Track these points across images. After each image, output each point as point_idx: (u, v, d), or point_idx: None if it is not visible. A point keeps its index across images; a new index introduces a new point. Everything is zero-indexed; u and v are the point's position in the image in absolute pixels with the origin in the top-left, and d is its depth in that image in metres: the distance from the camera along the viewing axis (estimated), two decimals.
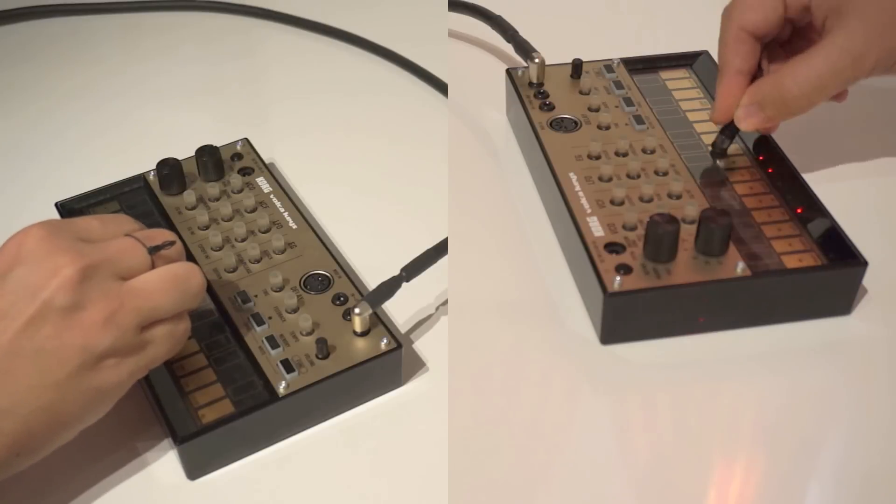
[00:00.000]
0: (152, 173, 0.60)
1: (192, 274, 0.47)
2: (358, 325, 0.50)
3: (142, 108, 0.74)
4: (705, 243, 0.51)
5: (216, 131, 0.67)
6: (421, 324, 0.56)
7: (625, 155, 0.59)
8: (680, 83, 0.66)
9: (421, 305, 0.56)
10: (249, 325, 0.51)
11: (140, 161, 0.61)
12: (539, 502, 0.45)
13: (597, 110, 0.62)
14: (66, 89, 0.76)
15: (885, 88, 0.68)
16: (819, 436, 0.47)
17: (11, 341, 0.42)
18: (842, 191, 0.59)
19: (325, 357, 0.49)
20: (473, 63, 0.75)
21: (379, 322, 0.51)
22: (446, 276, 0.56)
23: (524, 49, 0.66)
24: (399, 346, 0.50)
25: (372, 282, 0.56)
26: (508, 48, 0.68)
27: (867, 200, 0.60)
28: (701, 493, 0.46)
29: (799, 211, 0.55)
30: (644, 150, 0.59)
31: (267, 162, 0.63)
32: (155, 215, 0.59)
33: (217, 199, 0.59)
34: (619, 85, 0.64)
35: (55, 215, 0.59)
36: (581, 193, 0.56)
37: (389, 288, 0.51)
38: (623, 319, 0.51)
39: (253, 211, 0.58)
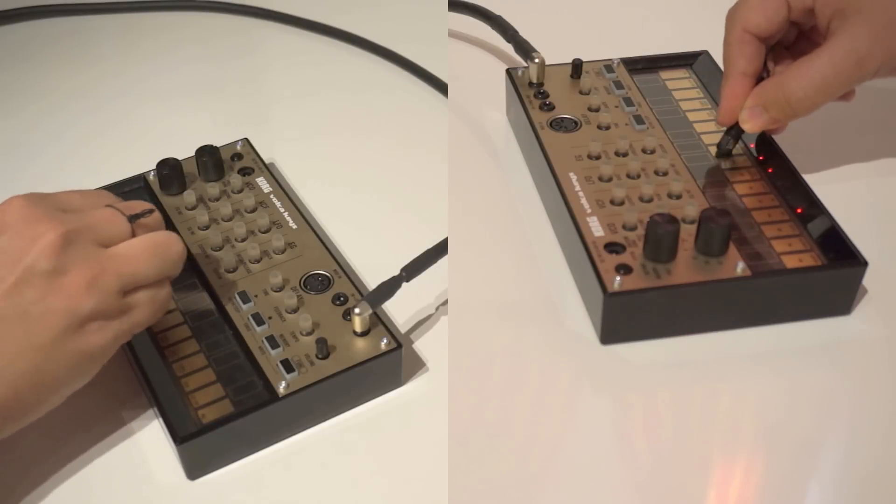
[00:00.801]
0: (152, 173, 0.60)
1: (171, 241, 0.48)
2: (358, 325, 0.50)
3: (142, 108, 0.74)
4: (705, 243, 0.51)
5: (216, 131, 0.67)
6: (421, 324, 0.56)
7: (625, 155, 0.59)
8: (680, 83, 0.66)
9: (421, 305, 0.56)
10: (249, 325, 0.51)
11: (140, 161, 0.61)
12: (539, 502, 0.45)
13: (597, 110, 0.62)
14: (66, 89, 0.76)
15: (884, 88, 0.68)
16: (819, 436, 0.47)
17: None
18: (842, 191, 0.59)
19: (325, 357, 0.49)
20: (473, 63, 0.75)
21: (379, 322, 0.51)
22: (446, 276, 0.56)
23: (524, 49, 0.66)
24: (399, 346, 0.50)
25: (372, 282, 0.56)
26: (508, 48, 0.68)
27: (867, 200, 0.60)
28: (701, 492, 0.46)
29: (799, 211, 0.55)
30: (644, 150, 0.59)
31: (267, 162, 0.63)
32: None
33: (217, 199, 0.59)
34: (619, 85, 0.64)
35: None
36: (581, 193, 0.56)
37: (389, 288, 0.51)
38: (623, 319, 0.51)
39: (253, 211, 0.58)
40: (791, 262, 0.52)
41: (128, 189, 0.60)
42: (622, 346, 0.51)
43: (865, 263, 0.51)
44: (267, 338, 0.50)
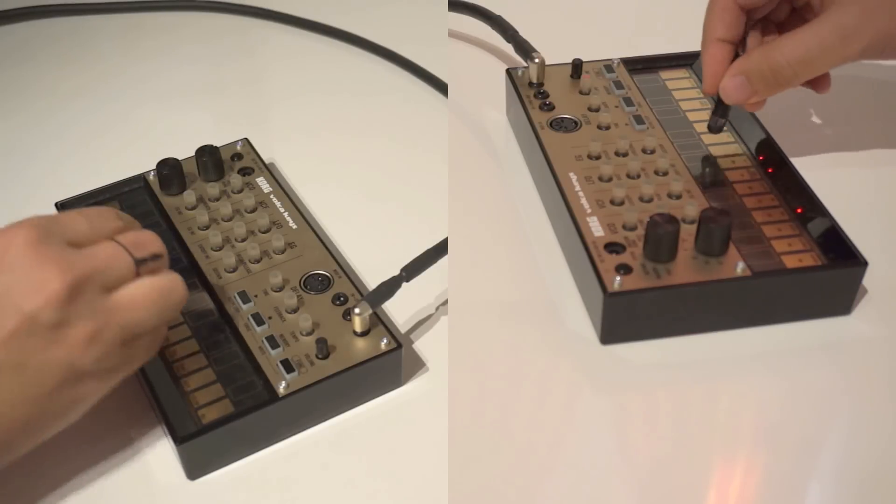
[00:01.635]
0: (152, 173, 0.60)
1: (175, 286, 0.46)
2: (358, 325, 0.50)
3: (142, 108, 0.74)
4: (705, 243, 0.51)
5: (216, 131, 0.67)
6: (421, 324, 0.56)
7: (625, 155, 0.59)
8: (680, 83, 0.66)
9: (421, 305, 0.56)
10: (249, 325, 0.51)
11: (140, 161, 0.61)
12: (539, 502, 0.45)
13: (597, 110, 0.62)
14: (66, 89, 0.76)
15: (885, 88, 0.68)
16: (819, 436, 0.47)
17: None
18: (842, 191, 0.59)
19: (325, 357, 0.49)
20: (473, 63, 0.75)
21: (379, 322, 0.51)
22: (446, 276, 0.56)
23: (524, 49, 0.66)
24: (399, 346, 0.50)
25: (372, 282, 0.56)
26: (508, 48, 0.68)
27: (867, 200, 0.60)
28: (701, 492, 0.46)
29: (799, 211, 0.55)
30: (644, 150, 0.59)
31: (267, 162, 0.63)
32: (155, 215, 0.59)
33: (217, 199, 0.59)
34: (619, 85, 0.64)
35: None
36: (581, 193, 0.56)
37: (389, 288, 0.51)
38: (623, 319, 0.51)
39: (253, 211, 0.58)
40: (791, 262, 0.52)
41: (127, 189, 0.60)
42: (622, 346, 0.51)
43: (865, 263, 0.51)
44: (267, 338, 0.50)
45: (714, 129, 0.58)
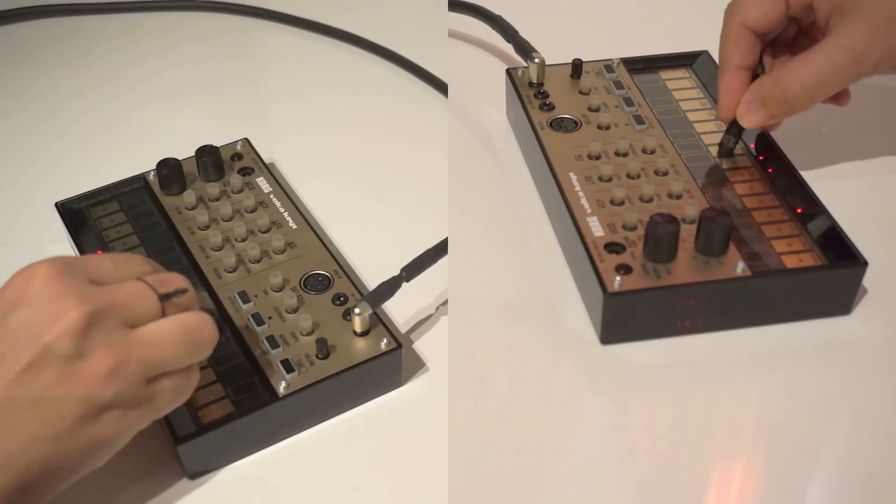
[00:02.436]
0: (152, 173, 0.60)
1: (203, 325, 0.44)
2: (358, 325, 0.50)
3: (142, 108, 0.74)
4: (705, 243, 0.51)
5: (216, 131, 0.67)
6: (421, 324, 0.56)
7: (625, 155, 0.59)
8: (680, 83, 0.66)
9: (421, 305, 0.56)
10: (249, 325, 0.51)
11: (140, 161, 0.61)
12: (539, 502, 0.45)
13: (597, 110, 0.62)
14: (66, 89, 0.76)
15: (884, 88, 0.68)
16: (819, 436, 0.47)
17: (8, 387, 0.39)
18: (842, 191, 0.59)
19: (325, 357, 0.49)
20: (473, 63, 0.75)
21: (379, 322, 0.51)
22: (446, 276, 0.56)
23: (524, 49, 0.66)
24: (399, 346, 0.50)
25: (372, 282, 0.56)
26: (508, 48, 0.68)
27: (867, 200, 0.60)
28: (701, 492, 0.46)
29: (799, 211, 0.55)
30: (644, 150, 0.59)
31: (267, 162, 0.63)
32: (155, 215, 0.59)
33: (217, 199, 0.59)
34: (619, 85, 0.64)
35: (55, 215, 0.58)
36: (581, 193, 0.56)
37: (389, 288, 0.51)
38: (623, 319, 0.51)
39: (253, 211, 0.58)
40: (791, 262, 0.52)
41: (128, 189, 0.60)
42: (622, 346, 0.51)
43: (865, 263, 0.51)
44: (267, 338, 0.50)
45: (725, 148, 0.58)
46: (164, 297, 0.44)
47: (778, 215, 0.55)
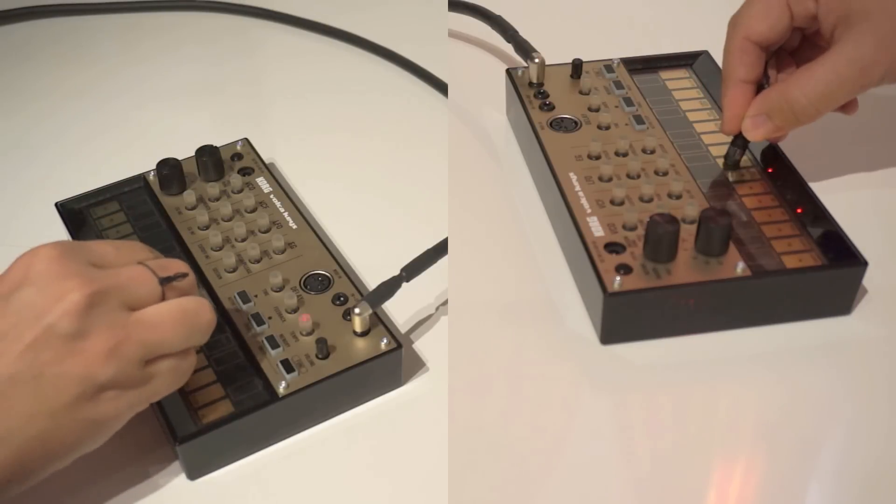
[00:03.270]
0: (152, 173, 0.60)
1: (202, 309, 0.45)
2: (358, 325, 0.50)
3: (142, 108, 0.74)
4: (705, 243, 0.51)
5: (216, 131, 0.67)
6: (421, 324, 0.56)
7: (625, 155, 0.59)
8: (680, 83, 0.66)
9: (421, 305, 0.56)
10: (249, 325, 0.51)
11: (140, 161, 0.61)
12: (539, 502, 0.45)
13: (597, 110, 0.62)
14: (66, 89, 0.76)
15: (884, 86, 0.68)
16: (819, 436, 0.47)
17: (10, 364, 0.40)
18: (842, 190, 0.59)
19: (325, 357, 0.49)
20: (473, 63, 0.75)
21: (379, 322, 0.51)
22: (446, 276, 0.56)
23: (524, 49, 0.66)
24: (399, 346, 0.50)
25: (372, 282, 0.56)
26: (508, 48, 0.68)
27: (867, 200, 0.60)
28: (701, 492, 0.46)
29: (799, 211, 0.55)
30: (644, 150, 0.59)
31: (267, 162, 0.63)
32: (155, 215, 0.59)
33: (217, 199, 0.59)
34: (619, 85, 0.64)
35: (55, 215, 0.58)
36: (581, 193, 0.56)
37: (389, 288, 0.51)
38: (623, 319, 0.51)
39: (253, 211, 0.58)
40: (791, 262, 0.52)
41: (128, 189, 0.60)
42: (622, 346, 0.51)
43: (865, 263, 0.51)
44: (267, 338, 0.50)
45: (731, 160, 0.57)
46: (165, 281, 0.45)
47: (778, 215, 0.55)
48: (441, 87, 0.73)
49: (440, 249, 0.54)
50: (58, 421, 0.41)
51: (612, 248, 0.52)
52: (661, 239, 0.50)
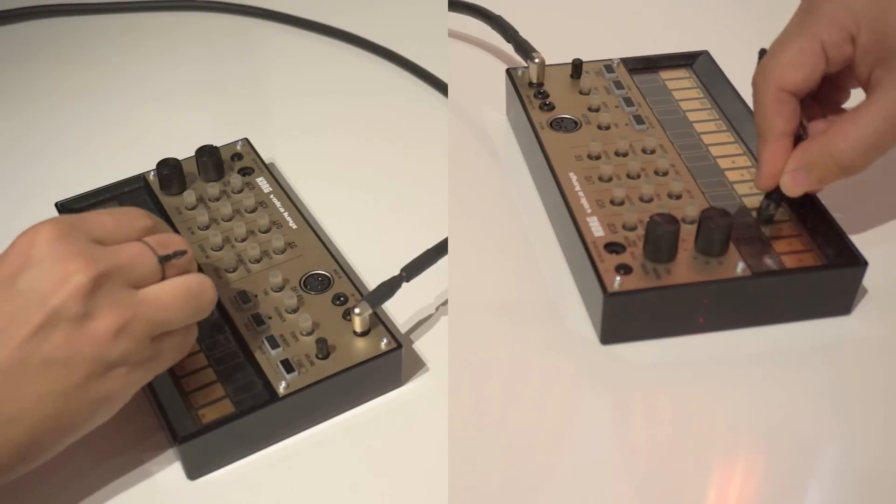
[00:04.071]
0: (152, 173, 0.60)
1: (204, 287, 0.46)
2: (358, 325, 0.50)
3: (142, 108, 0.74)
4: (705, 243, 0.51)
5: (216, 131, 0.67)
6: (421, 324, 0.56)
7: (625, 155, 0.59)
8: (680, 83, 0.66)
9: (421, 305, 0.56)
10: (249, 325, 0.51)
11: (140, 161, 0.61)
12: (539, 502, 0.45)
13: (597, 110, 0.62)
14: (66, 89, 0.76)
15: None
16: (819, 436, 0.47)
17: (20, 348, 0.41)
18: (841, 190, 0.59)
19: (325, 357, 0.49)
20: (473, 63, 0.75)
21: (379, 322, 0.51)
22: (446, 276, 0.56)
23: (524, 49, 0.66)
24: (399, 346, 0.50)
25: (372, 282, 0.56)
26: (508, 48, 0.68)
27: (867, 200, 0.60)
28: (701, 492, 0.46)
29: (799, 211, 0.55)
30: (644, 150, 0.59)
31: (267, 162, 0.63)
32: (155, 215, 0.58)
33: (217, 199, 0.59)
34: (619, 85, 0.64)
35: (55, 215, 0.58)
36: (581, 193, 0.56)
37: (389, 288, 0.51)
38: (623, 319, 0.51)
39: (253, 211, 0.58)
40: (791, 262, 0.52)
41: (128, 189, 0.60)
42: (622, 346, 0.51)
43: (865, 263, 0.51)
44: (267, 338, 0.50)
45: (766, 215, 0.54)
46: (164, 259, 0.45)
47: (778, 215, 0.55)
48: (441, 87, 0.73)
49: (440, 249, 0.54)
50: (69, 401, 0.42)
51: (612, 248, 0.52)
52: (661, 239, 0.50)
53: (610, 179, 0.57)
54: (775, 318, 0.52)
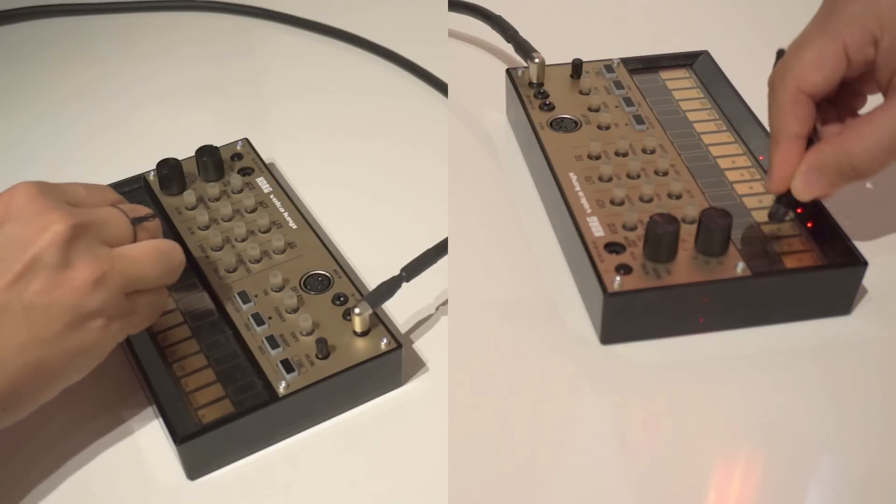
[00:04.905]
0: (152, 173, 0.60)
1: (174, 250, 0.49)
2: (358, 325, 0.50)
3: (142, 108, 0.74)
4: (705, 243, 0.51)
5: (216, 131, 0.67)
6: (421, 324, 0.56)
7: (625, 155, 0.59)
8: (680, 83, 0.66)
9: (421, 305, 0.56)
10: (249, 325, 0.51)
11: (140, 161, 0.61)
12: (539, 502, 0.45)
13: (597, 110, 0.62)
14: (66, 89, 0.76)
15: None
16: (819, 436, 0.47)
17: (1, 295, 0.42)
18: (842, 190, 0.59)
19: (325, 357, 0.49)
20: (473, 63, 0.75)
21: (379, 322, 0.51)
22: (446, 276, 0.56)
23: (524, 49, 0.66)
24: (399, 346, 0.50)
25: (372, 282, 0.56)
26: (508, 48, 0.68)
27: (867, 200, 0.60)
28: (701, 492, 0.46)
29: (799, 211, 0.55)
30: (644, 150, 0.59)
31: (267, 162, 0.63)
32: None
33: (217, 200, 0.59)
34: (619, 85, 0.64)
35: None
36: (581, 193, 0.56)
37: (389, 288, 0.51)
38: (623, 319, 0.51)
39: (253, 211, 0.58)
40: (791, 262, 0.52)
41: (128, 189, 0.60)
42: (622, 346, 0.51)
43: (865, 263, 0.51)
44: (267, 338, 0.50)
45: (777, 218, 0.53)
46: (136, 221, 0.48)
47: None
48: (441, 87, 0.73)
49: (440, 249, 0.54)
50: (48, 349, 0.43)
51: (612, 248, 0.52)
52: (661, 239, 0.50)
53: (610, 179, 0.57)
54: (775, 318, 0.52)
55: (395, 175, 0.67)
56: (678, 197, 0.56)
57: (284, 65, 0.79)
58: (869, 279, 0.52)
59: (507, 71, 0.66)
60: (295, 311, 0.52)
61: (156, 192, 0.59)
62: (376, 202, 0.64)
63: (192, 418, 0.47)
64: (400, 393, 0.52)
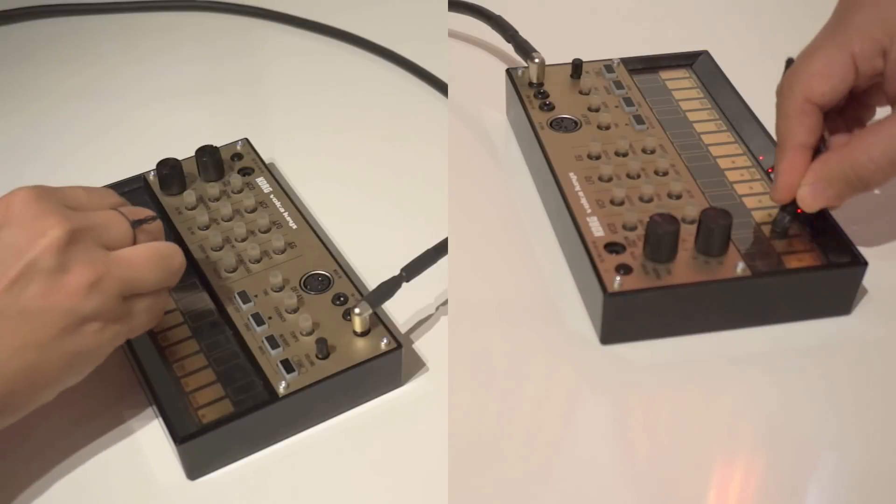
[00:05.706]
0: (152, 173, 0.60)
1: (174, 253, 0.48)
2: (358, 325, 0.50)
3: (142, 108, 0.74)
4: (705, 243, 0.51)
5: (216, 131, 0.67)
6: (421, 324, 0.56)
7: (625, 155, 0.59)
8: (680, 83, 0.66)
9: (421, 305, 0.56)
10: (249, 325, 0.51)
11: (140, 161, 0.61)
12: (539, 502, 0.45)
13: (597, 110, 0.62)
14: (66, 89, 0.76)
15: None
16: (819, 436, 0.47)
17: None
18: None
19: (325, 357, 0.49)
20: (473, 63, 0.75)
21: (379, 322, 0.51)
22: (446, 276, 0.56)
23: (524, 49, 0.66)
24: (399, 346, 0.50)
25: (372, 282, 0.56)
26: (508, 48, 0.68)
27: (867, 200, 0.60)
28: (701, 492, 0.46)
29: (799, 211, 0.55)
30: (644, 150, 0.59)
31: (267, 162, 0.63)
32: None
33: (217, 200, 0.59)
34: (619, 85, 0.64)
35: None
36: (581, 193, 0.56)
37: (389, 288, 0.51)
38: (623, 319, 0.51)
39: (253, 211, 0.58)
40: (791, 262, 0.52)
41: (128, 189, 0.60)
42: (622, 346, 0.51)
43: (865, 263, 0.51)
44: (267, 338, 0.50)
45: (781, 228, 0.53)
46: (136, 224, 0.48)
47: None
48: (441, 87, 0.73)
49: (440, 249, 0.54)
50: (44, 353, 0.43)
51: (612, 248, 0.52)
52: (661, 239, 0.50)
53: (610, 179, 0.57)
54: (775, 318, 0.52)
55: (395, 175, 0.67)
56: (678, 197, 0.56)
57: (284, 65, 0.79)
58: (869, 279, 0.52)
59: (507, 71, 0.66)
60: (295, 311, 0.52)
61: (156, 192, 0.59)
62: (376, 202, 0.64)
63: (192, 418, 0.47)
64: (400, 393, 0.52)
